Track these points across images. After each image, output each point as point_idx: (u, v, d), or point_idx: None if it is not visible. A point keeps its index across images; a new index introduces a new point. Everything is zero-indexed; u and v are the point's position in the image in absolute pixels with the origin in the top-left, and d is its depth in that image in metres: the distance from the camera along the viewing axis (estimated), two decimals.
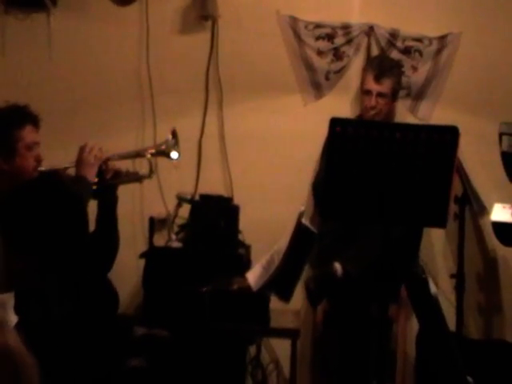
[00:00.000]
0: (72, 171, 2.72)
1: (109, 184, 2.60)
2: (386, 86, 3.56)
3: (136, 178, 2.83)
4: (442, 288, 3.64)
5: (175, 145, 2.96)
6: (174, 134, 3.00)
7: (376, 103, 3.55)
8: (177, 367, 2.89)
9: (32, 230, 2.44)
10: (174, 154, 2.97)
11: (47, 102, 3.68)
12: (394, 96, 3.63)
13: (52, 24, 3.84)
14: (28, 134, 2.70)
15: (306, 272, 3.35)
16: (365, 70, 3.68)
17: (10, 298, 2.24)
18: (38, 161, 2.71)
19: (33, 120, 2.74)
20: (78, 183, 2.54)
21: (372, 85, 3.56)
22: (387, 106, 3.60)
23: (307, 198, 3.75)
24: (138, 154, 2.93)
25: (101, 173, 2.61)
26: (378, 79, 3.55)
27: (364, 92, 3.61)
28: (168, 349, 2.86)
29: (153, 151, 2.96)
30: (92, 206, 2.66)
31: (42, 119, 2.82)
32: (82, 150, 2.64)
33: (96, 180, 2.61)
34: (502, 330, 3.77)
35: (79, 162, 2.60)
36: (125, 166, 2.77)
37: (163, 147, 2.99)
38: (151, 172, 2.88)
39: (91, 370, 2.49)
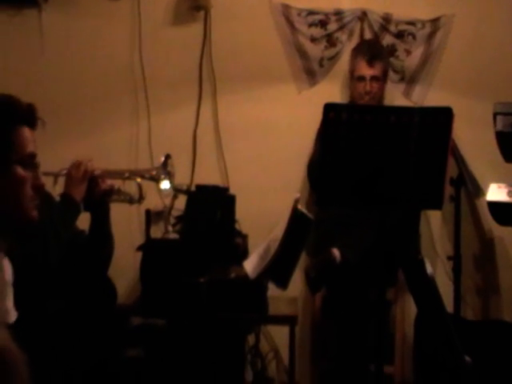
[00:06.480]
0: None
1: (99, 201, 2.54)
2: (378, 68, 3.57)
3: (127, 199, 2.70)
4: (439, 270, 3.63)
5: (167, 173, 2.67)
6: (167, 160, 2.70)
7: (371, 88, 3.55)
8: (174, 357, 2.88)
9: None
10: (165, 184, 2.69)
11: (39, 97, 3.63)
12: (385, 78, 3.63)
13: (43, 20, 3.83)
14: None
15: (304, 259, 3.35)
16: (354, 56, 3.66)
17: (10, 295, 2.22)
18: None
19: None
20: (64, 204, 2.48)
21: (365, 70, 3.56)
22: (380, 90, 3.60)
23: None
24: (128, 177, 2.69)
25: (92, 188, 2.53)
26: (370, 63, 3.56)
27: (356, 79, 3.60)
28: (165, 338, 2.85)
29: (143, 175, 2.70)
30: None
31: None
32: (72, 165, 2.55)
33: (84, 196, 2.52)
34: (500, 310, 3.75)
35: (68, 177, 2.53)
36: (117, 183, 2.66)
37: (153, 173, 2.70)
38: (141, 198, 2.69)
39: (88, 360, 2.49)
